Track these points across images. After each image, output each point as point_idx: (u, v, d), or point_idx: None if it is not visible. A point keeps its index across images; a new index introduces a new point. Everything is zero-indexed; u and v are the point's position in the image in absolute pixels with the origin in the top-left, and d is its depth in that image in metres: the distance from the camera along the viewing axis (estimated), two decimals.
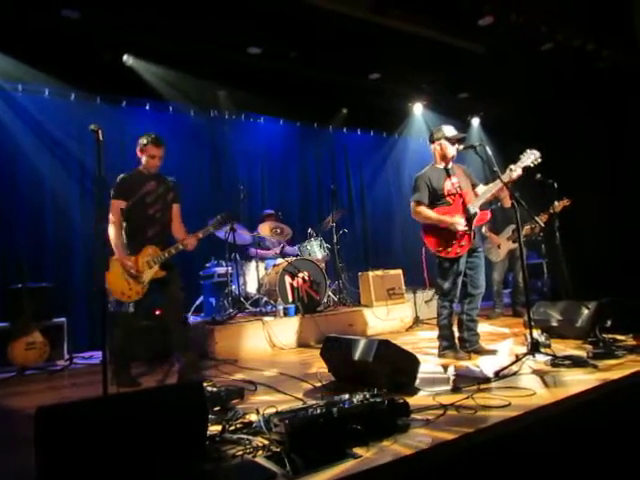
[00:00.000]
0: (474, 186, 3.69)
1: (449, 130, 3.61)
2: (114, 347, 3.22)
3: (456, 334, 3.65)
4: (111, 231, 3.30)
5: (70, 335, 4.87)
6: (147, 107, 6.32)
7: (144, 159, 3.44)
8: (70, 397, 3.26)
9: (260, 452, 1.78)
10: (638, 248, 6.18)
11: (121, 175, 3.46)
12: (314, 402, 2.08)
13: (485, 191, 3.59)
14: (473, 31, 5.60)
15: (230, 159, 7.17)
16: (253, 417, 2.13)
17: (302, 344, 4.77)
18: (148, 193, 3.43)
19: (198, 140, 6.81)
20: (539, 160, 3.37)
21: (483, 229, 5.93)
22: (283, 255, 5.98)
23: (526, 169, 3.38)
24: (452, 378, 2.90)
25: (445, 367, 3.24)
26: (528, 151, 3.40)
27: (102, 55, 5.38)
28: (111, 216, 3.33)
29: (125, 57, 5.61)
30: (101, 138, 2.47)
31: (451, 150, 3.57)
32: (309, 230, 6.07)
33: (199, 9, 4.82)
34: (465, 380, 2.77)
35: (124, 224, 3.39)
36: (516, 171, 3.34)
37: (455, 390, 2.55)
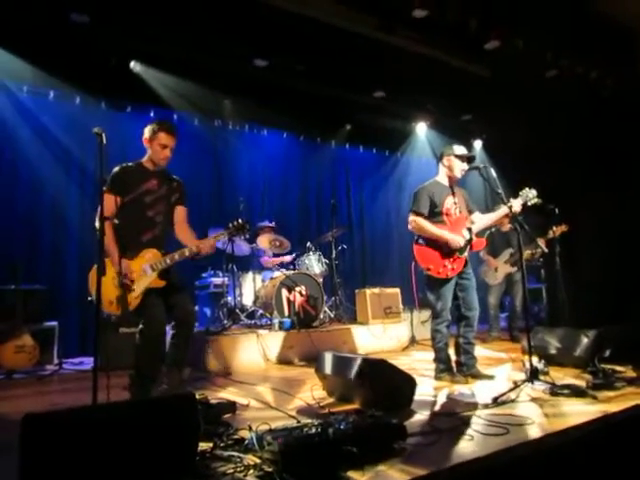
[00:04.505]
0: (470, 212, 3.68)
1: (459, 149, 3.60)
2: (138, 362, 2.78)
3: (453, 357, 3.60)
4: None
5: (61, 340, 4.79)
6: (152, 114, 6.34)
7: (152, 149, 2.97)
8: (58, 403, 3.18)
9: (251, 471, 1.72)
10: (637, 276, 6.17)
11: (119, 166, 2.95)
12: (309, 421, 2.02)
13: (486, 218, 3.62)
14: (479, 54, 5.67)
15: (231, 169, 7.19)
16: (245, 433, 2.06)
17: (296, 359, 4.70)
18: (148, 192, 2.95)
19: (201, 149, 6.82)
20: (534, 201, 3.46)
21: (481, 252, 5.92)
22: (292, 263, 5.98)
23: (524, 206, 3.44)
24: (448, 402, 2.84)
25: (441, 390, 3.18)
26: (526, 189, 3.47)
27: (109, 60, 5.41)
28: (100, 210, 2.66)
29: (132, 63, 5.64)
30: (104, 141, 2.43)
31: (458, 168, 3.56)
32: (308, 244, 6.04)
33: (208, 19, 4.86)
34: (461, 405, 2.72)
35: (115, 222, 2.83)
36: (515, 206, 3.37)
37: (452, 415, 2.49)
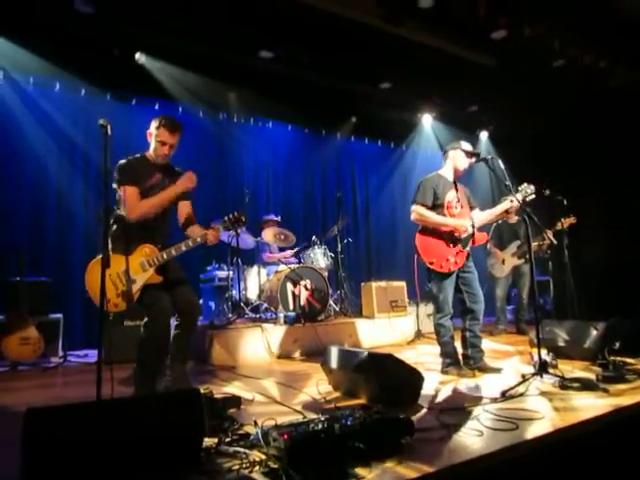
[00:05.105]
0: (471, 208, 3.67)
1: (466, 144, 3.62)
2: (141, 357, 2.76)
3: (459, 350, 3.57)
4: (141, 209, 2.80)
5: (66, 332, 4.79)
6: (156, 107, 6.30)
7: (153, 145, 2.91)
8: (62, 396, 3.17)
9: (257, 467, 1.69)
10: None
11: (124, 159, 2.90)
12: (314, 416, 1.99)
13: (486, 214, 3.60)
14: (486, 44, 5.58)
15: (237, 162, 7.16)
16: (251, 429, 2.03)
17: (302, 353, 4.67)
18: (154, 186, 2.90)
19: (205, 142, 6.78)
20: (533, 196, 3.44)
21: (488, 245, 5.87)
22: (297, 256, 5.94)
23: (524, 201, 3.42)
24: (456, 397, 2.80)
25: (448, 384, 3.15)
26: (525, 185, 3.46)
27: (114, 52, 5.37)
28: (130, 203, 2.77)
29: (137, 55, 5.59)
30: (109, 133, 2.39)
31: (463, 163, 3.57)
32: (313, 238, 6.00)
33: (213, 10, 4.80)
34: (469, 399, 2.68)
35: (116, 216, 2.85)
36: (516, 201, 3.38)
37: (460, 409, 2.45)
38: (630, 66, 6.02)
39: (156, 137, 2.89)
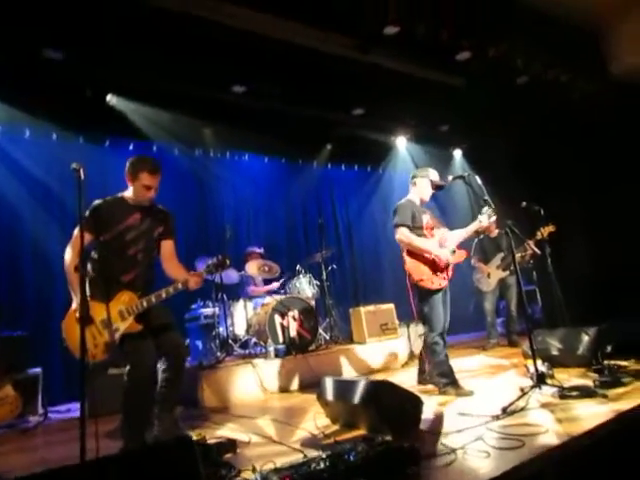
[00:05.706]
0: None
1: (434, 174, 3.71)
2: (126, 406, 2.63)
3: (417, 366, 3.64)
4: (68, 261, 2.67)
5: (46, 387, 4.52)
6: (130, 147, 6.26)
7: (134, 188, 2.78)
8: (45, 459, 2.96)
9: None
10: (625, 269, 6.19)
11: (97, 201, 2.78)
12: (315, 454, 1.90)
13: (457, 235, 3.65)
14: (452, 66, 5.74)
15: (215, 197, 7.13)
16: (249, 474, 1.93)
17: (296, 387, 4.54)
18: (129, 228, 2.76)
19: (183, 179, 6.73)
20: (494, 217, 3.49)
21: (472, 260, 5.90)
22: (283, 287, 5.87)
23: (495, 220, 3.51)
24: (457, 417, 2.74)
25: (448, 405, 3.08)
26: (486, 207, 3.48)
27: (85, 95, 5.32)
28: (69, 246, 2.73)
29: (109, 97, 5.57)
30: (82, 177, 2.33)
31: (428, 192, 3.67)
32: (297, 267, 5.94)
33: (183, 48, 4.84)
34: (471, 419, 2.61)
35: (93, 260, 2.75)
36: (484, 221, 3.50)
37: (463, 431, 2.38)
38: (587, 79, 6.26)
39: (138, 182, 2.77)
